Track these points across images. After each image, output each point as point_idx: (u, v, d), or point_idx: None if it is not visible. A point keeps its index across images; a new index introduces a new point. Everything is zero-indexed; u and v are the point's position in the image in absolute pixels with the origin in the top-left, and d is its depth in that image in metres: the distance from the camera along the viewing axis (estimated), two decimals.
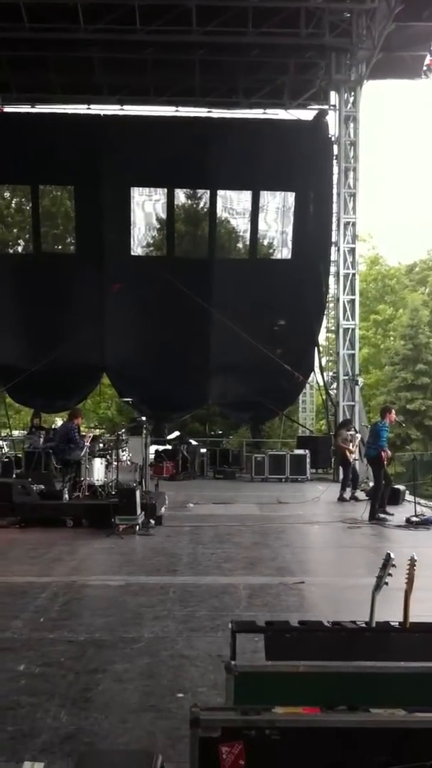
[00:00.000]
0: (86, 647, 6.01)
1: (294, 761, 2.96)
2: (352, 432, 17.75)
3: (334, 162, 22.76)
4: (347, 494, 16.66)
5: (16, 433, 28.71)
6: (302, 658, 3.61)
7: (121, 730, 4.48)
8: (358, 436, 18.15)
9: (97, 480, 13.69)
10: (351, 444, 17.14)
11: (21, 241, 27.75)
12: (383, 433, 13.84)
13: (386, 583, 4.13)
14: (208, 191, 24.97)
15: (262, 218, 24.77)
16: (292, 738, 2.96)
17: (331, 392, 23.78)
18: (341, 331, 22.26)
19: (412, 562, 4.08)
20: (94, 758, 3.82)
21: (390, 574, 4.14)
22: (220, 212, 25.19)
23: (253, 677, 3.50)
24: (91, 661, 5.69)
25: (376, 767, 2.91)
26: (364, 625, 4.18)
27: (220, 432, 30.52)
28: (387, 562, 4.14)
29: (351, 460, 17.01)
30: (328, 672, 3.52)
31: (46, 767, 3.93)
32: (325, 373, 24.71)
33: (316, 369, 24.86)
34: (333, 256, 23.15)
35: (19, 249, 27.41)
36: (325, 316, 24.86)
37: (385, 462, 13.89)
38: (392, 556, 4.15)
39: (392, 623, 4.19)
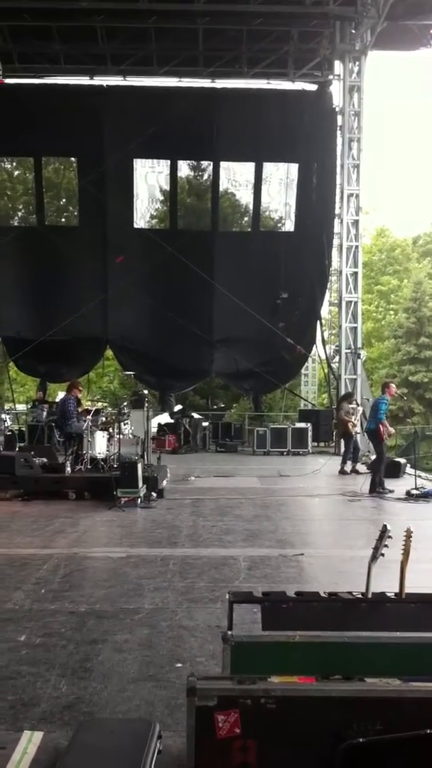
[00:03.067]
0: (87, 618, 6.04)
1: (289, 730, 2.99)
2: (353, 405, 17.71)
3: (338, 133, 22.59)
4: (348, 467, 16.69)
5: (19, 406, 28.70)
6: (298, 629, 3.64)
7: (120, 699, 4.52)
8: (360, 409, 18.15)
9: (99, 453, 13.71)
10: (353, 417, 17.14)
11: (24, 213, 27.60)
12: (383, 407, 13.84)
13: (382, 554, 4.16)
14: (211, 163, 24.79)
15: (266, 190, 24.60)
16: (287, 707, 2.99)
17: (333, 365, 23.76)
18: (344, 304, 22.20)
19: (409, 534, 4.10)
20: (94, 727, 3.87)
21: (386, 545, 4.16)
22: (223, 184, 25.03)
23: (249, 647, 3.53)
24: (91, 631, 5.73)
25: (371, 736, 2.94)
26: (360, 595, 4.20)
27: (223, 405, 30.56)
28: (383, 533, 4.16)
29: (353, 434, 17.01)
30: (323, 642, 3.55)
31: (46, 736, 3.97)
32: (327, 347, 24.65)
33: (318, 342, 24.84)
34: (336, 229, 23.04)
35: (23, 221, 27.26)
36: (327, 289, 24.75)
37: (384, 436, 13.90)
38: (388, 527, 4.17)
39: (388, 594, 4.22)
